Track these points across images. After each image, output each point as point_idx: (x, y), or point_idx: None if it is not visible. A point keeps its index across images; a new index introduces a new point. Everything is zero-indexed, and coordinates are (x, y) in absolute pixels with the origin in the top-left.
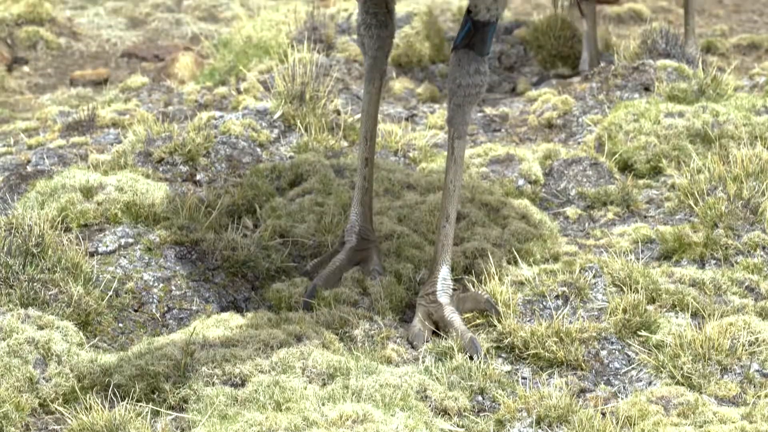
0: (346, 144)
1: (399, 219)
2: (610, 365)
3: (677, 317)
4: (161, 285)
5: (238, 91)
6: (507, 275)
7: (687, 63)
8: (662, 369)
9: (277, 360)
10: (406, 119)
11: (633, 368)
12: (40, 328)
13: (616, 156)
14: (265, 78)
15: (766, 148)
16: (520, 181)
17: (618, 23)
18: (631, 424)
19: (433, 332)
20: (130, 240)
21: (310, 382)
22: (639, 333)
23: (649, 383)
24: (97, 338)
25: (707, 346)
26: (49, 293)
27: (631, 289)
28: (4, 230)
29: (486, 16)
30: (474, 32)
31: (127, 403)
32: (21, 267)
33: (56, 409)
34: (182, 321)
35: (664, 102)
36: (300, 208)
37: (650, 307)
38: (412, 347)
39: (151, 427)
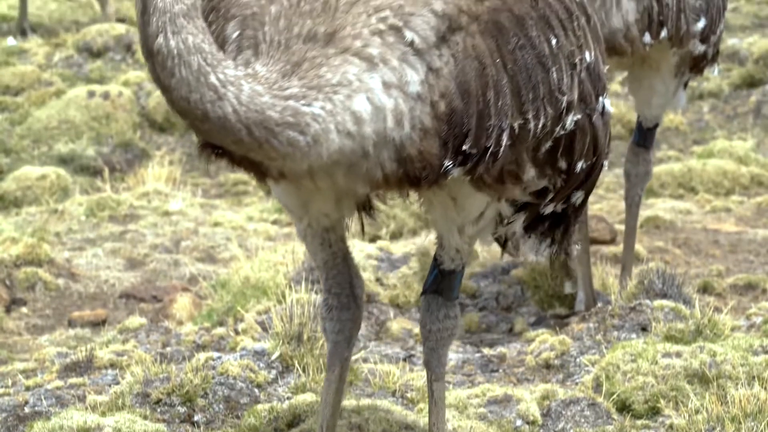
0: None
1: None
2: None
3: None
4: None
5: (236, 332)
6: None
7: (684, 303)
8: None
9: None
10: (404, 360)
11: None
12: None
13: (614, 396)
14: (263, 319)
15: (764, 388)
16: (518, 422)
17: (615, 263)
18: None
19: None
20: None
21: None
22: None
23: None
24: None
25: None
26: None
27: None
28: None
29: (451, 265)
30: (441, 279)
31: None
32: None
33: None
34: None
35: (662, 342)
36: None
37: None
38: None
39: None
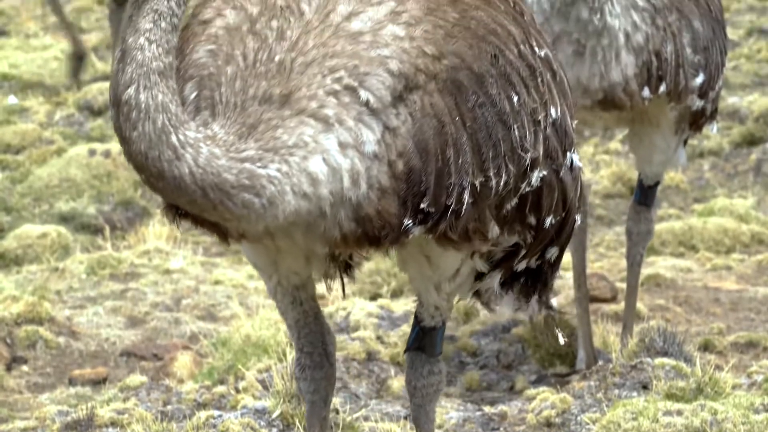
0: None
1: None
2: None
3: None
4: None
5: (237, 390)
6: None
7: (685, 361)
8: None
9: None
10: (405, 418)
11: None
12: None
13: None
14: (264, 377)
15: None
16: None
17: (616, 321)
18: None
19: None
20: None
21: None
22: None
23: None
24: None
25: None
26: None
27: None
28: None
29: (431, 322)
30: (422, 336)
31: None
32: None
33: None
34: None
35: (663, 400)
36: None
37: None
38: None
39: None
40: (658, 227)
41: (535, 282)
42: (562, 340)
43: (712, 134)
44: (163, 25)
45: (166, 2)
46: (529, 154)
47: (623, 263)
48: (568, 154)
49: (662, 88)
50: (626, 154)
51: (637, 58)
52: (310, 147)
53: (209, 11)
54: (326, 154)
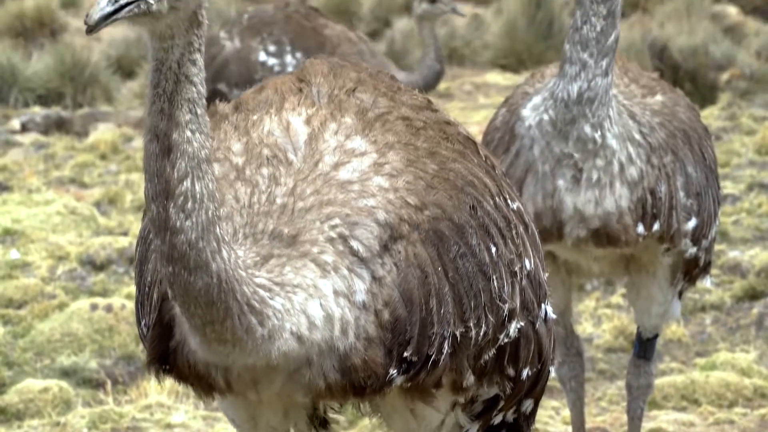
0: None
1: None
2: None
3: None
4: None
5: None
6: None
7: None
8: None
9: None
10: None
11: None
12: None
13: None
14: None
15: None
16: None
17: None
18: None
19: None
20: None
21: None
22: None
23: None
24: None
25: None
26: None
27: None
28: None
29: None
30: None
31: None
32: None
33: None
34: None
35: None
36: None
37: None
38: None
39: None
40: (660, 381)
41: None
42: None
43: (714, 288)
44: (198, 111)
45: (194, 89)
46: (507, 305)
47: (625, 418)
48: (543, 305)
49: (656, 226)
50: (628, 308)
51: (631, 192)
52: (311, 291)
53: None
54: (323, 300)
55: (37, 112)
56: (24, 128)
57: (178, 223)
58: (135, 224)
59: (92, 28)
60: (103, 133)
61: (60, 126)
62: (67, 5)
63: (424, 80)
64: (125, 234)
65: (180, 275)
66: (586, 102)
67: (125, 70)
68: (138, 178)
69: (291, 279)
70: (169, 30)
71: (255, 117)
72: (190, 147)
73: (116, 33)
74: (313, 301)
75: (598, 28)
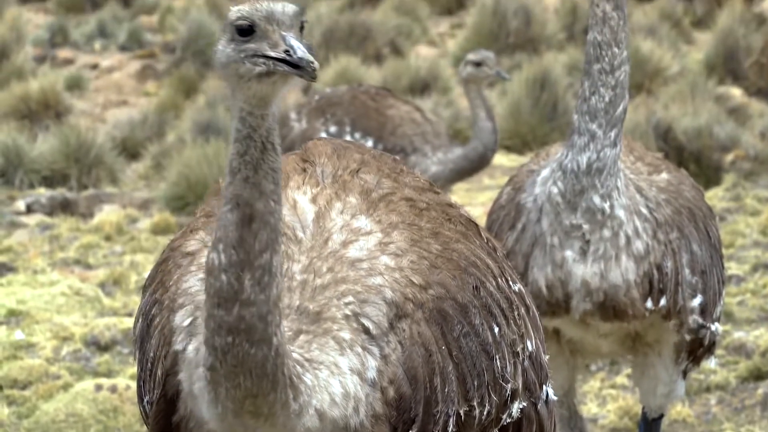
0: None
1: None
2: None
3: None
4: None
5: None
6: None
7: None
8: None
9: None
10: None
11: None
12: None
13: None
14: None
15: None
16: None
17: None
18: None
19: None
20: None
21: None
22: None
23: None
24: None
25: None
26: None
27: None
28: None
29: None
30: None
31: None
32: None
33: None
34: None
35: None
36: None
37: None
38: None
39: None
40: None
41: None
42: None
43: (719, 369)
44: (278, 183)
45: (277, 159)
46: (509, 385)
47: None
48: (544, 387)
49: (663, 301)
50: (633, 388)
51: (638, 266)
52: (333, 368)
53: (193, 243)
54: (342, 377)
55: (43, 193)
56: (29, 209)
57: (252, 296)
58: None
59: (316, 70)
60: (107, 214)
61: (65, 207)
62: (71, 87)
63: (483, 145)
64: (130, 315)
65: (240, 347)
66: (595, 172)
67: (130, 151)
68: (143, 258)
69: (317, 356)
70: (275, 96)
71: None
72: (272, 218)
73: (121, 115)
74: (334, 378)
75: (607, 99)
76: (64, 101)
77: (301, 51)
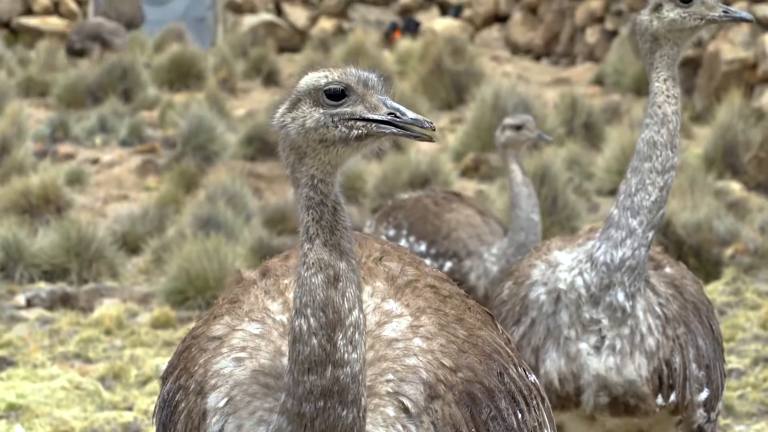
0: None
1: None
2: None
3: None
4: None
5: None
6: None
7: None
8: None
9: None
10: None
11: None
12: None
13: None
14: None
15: None
16: None
17: None
18: None
19: None
20: None
21: None
22: None
23: None
24: None
25: None
26: None
27: None
28: None
29: None
30: None
31: None
32: None
33: None
34: None
35: None
36: None
37: None
38: None
39: None
40: None
41: None
42: None
43: None
44: (352, 242)
45: (347, 218)
46: None
47: None
48: None
49: (672, 397)
50: None
51: (648, 362)
52: None
53: (219, 327)
54: None
55: (43, 287)
56: (29, 304)
57: (345, 356)
58: (140, 399)
59: (435, 129)
60: (107, 308)
61: (65, 301)
62: (72, 182)
63: (526, 215)
64: (130, 409)
65: (332, 410)
66: (627, 270)
67: (130, 246)
68: (142, 353)
69: (371, 429)
70: (347, 162)
71: (286, 281)
72: (354, 276)
73: (121, 209)
74: None
75: (652, 198)
76: (65, 196)
77: (411, 113)
